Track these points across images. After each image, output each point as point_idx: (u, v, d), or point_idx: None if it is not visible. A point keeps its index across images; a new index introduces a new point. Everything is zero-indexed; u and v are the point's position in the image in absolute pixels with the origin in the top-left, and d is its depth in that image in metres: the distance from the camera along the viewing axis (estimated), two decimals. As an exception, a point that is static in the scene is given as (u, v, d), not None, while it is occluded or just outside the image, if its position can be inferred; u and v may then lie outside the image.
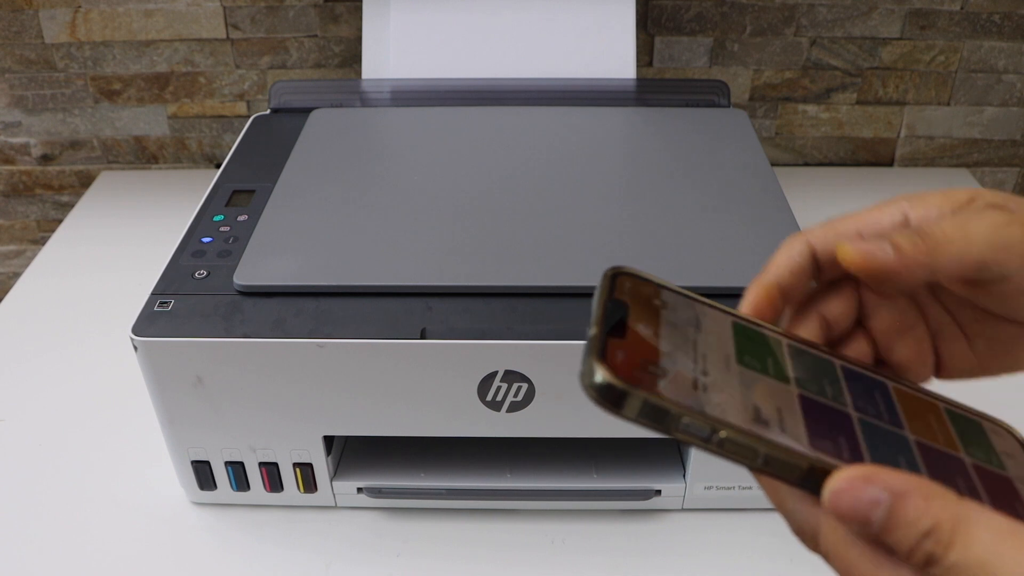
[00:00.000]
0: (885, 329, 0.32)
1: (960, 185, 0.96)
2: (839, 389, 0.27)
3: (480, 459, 0.60)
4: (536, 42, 0.79)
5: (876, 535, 0.23)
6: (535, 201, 0.60)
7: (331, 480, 0.58)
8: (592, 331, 0.25)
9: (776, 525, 0.58)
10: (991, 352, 0.33)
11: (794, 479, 0.24)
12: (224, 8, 0.91)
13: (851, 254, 0.29)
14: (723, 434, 0.24)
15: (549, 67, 0.79)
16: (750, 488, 0.58)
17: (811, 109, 0.97)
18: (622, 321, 0.26)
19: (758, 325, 0.29)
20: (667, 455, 0.60)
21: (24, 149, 1.00)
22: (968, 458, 0.26)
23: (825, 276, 0.32)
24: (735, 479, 0.57)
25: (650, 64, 0.95)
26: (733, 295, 0.52)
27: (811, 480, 0.24)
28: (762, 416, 0.25)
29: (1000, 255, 0.28)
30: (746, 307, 0.32)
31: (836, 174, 0.98)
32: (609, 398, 0.24)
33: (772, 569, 0.56)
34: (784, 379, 0.27)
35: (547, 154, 0.66)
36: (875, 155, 1.01)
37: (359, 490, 0.59)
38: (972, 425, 0.28)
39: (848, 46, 0.94)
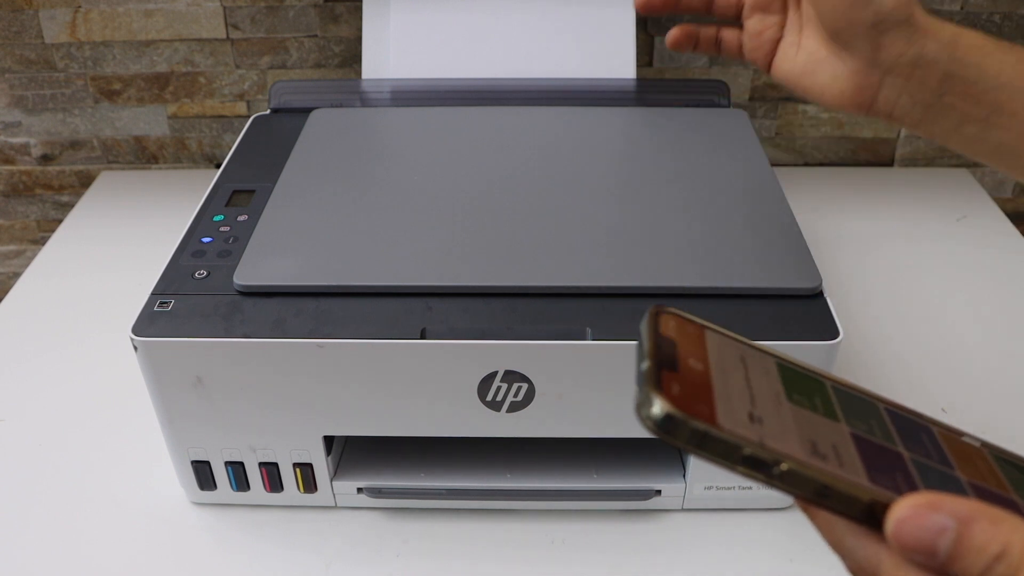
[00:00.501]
0: (752, 3, 0.47)
1: (961, 186, 0.96)
2: (887, 430, 0.27)
3: (480, 459, 0.60)
4: (536, 42, 0.79)
5: (943, 565, 0.22)
6: (535, 201, 0.60)
7: (331, 480, 0.58)
8: (645, 364, 0.25)
9: (776, 525, 0.58)
10: (806, 66, 0.45)
11: (855, 513, 0.24)
12: (224, 8, 0.91)
13: None
14: (784, 467, 0.24)
15: (549, 67, 0.79)
16: (750, 488, 0.58)
17: (811, 109, 0.97)
18: (672, 355, 0.26)
19: (801, 368, 0.29)
20: (667, 455, 0.60)
21: (24, 149, 1.00)
22: (1021, 501, 0.26)
23: None
24: (735, 479, 0.57)
25: (650, 64, 0.95)
26: (733, 295, 0.52)
27: (872, 514, 0.24)
28: (820, 450, 0.25)
29: None
30: None
31: (836, 174, 0.98)
32: (668, 429, 0.24)
33: (772, 569, 0.56)
34: (834, 417, 0.27)
35: (547, 154, 0.66)
36: (875, 155, 1.01)
37: (359, 490, 0.59)
38: (1019, 470, 0.28)
39: (848, 46, 0.94)
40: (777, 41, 0.47)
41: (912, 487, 0.25)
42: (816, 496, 0.24)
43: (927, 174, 0.99)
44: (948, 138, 0.43)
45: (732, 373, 0.26)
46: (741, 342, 0.28)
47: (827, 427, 0.26)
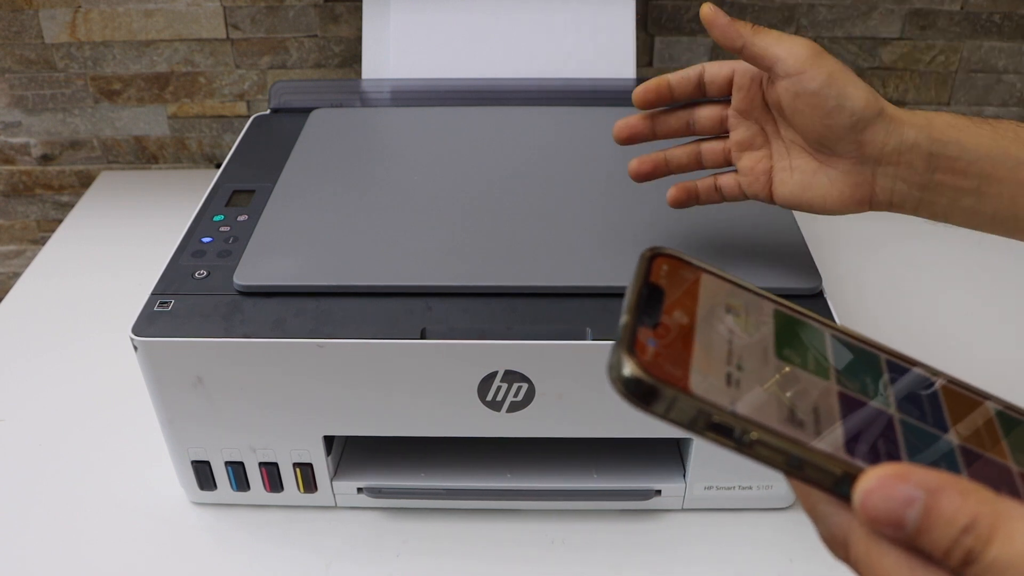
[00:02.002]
0: (739, 141, 0.50)
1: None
2: (882, 385, 0.26)
3: (480, 459, 0.60)
4: (536, 42, 0.79)
5: (911, 537, 0.22)
6: (535, 201, 0.60)
7: (331, 480, 0.58)
8: (623, 319, 0.24)
9: (776, 525, 0.58)
10: (803, 182, 0.48)
11: (827, 484, 0.23)
12: (224, 8, 0.91)
13: (706, 11, 0.47)
14: (754, 435, 0.23)
15: (549, 67, 0.79)
16: (750, 488, 0.58)
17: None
18: (656, 308, 0.25)
19: (800, 313, 0.27)
20: (667, 455, 0.60)
21: (24, 149, 1.00)
22: (1016, 466, 0.25)
23: (708, 92, 0.50)
24: (735, 479, 0.57)
25: (650, 64, 0.95)
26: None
27: (844, 485, 0.23)
28: (797, 416, 0.24)
29: (793, 56, 0.45)
30: (638, 89, 0.51)
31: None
32: (636, 393, 0.23)
33: (772, 569, 0.56)
34: (824, 374, 0.25)
35: (547, 154, 0.66)
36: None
37: (359, 490, 0.59)
38: (1022, 427, 0.27)
39: (848, 46, 0.94)
40: (770, 171, 0.50)
41: (892, 455, 0.24)
42: (787, 466, 0.23)
43: (927, 174, 0.99)
44: (950, 215, 0.46)
45: (720, 326, 0.25)
46: (741, 287, 0.27)
47: (813, 387, 0.25)
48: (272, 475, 0.57)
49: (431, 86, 0.78)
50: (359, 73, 0.81)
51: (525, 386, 0.52)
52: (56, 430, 0.66)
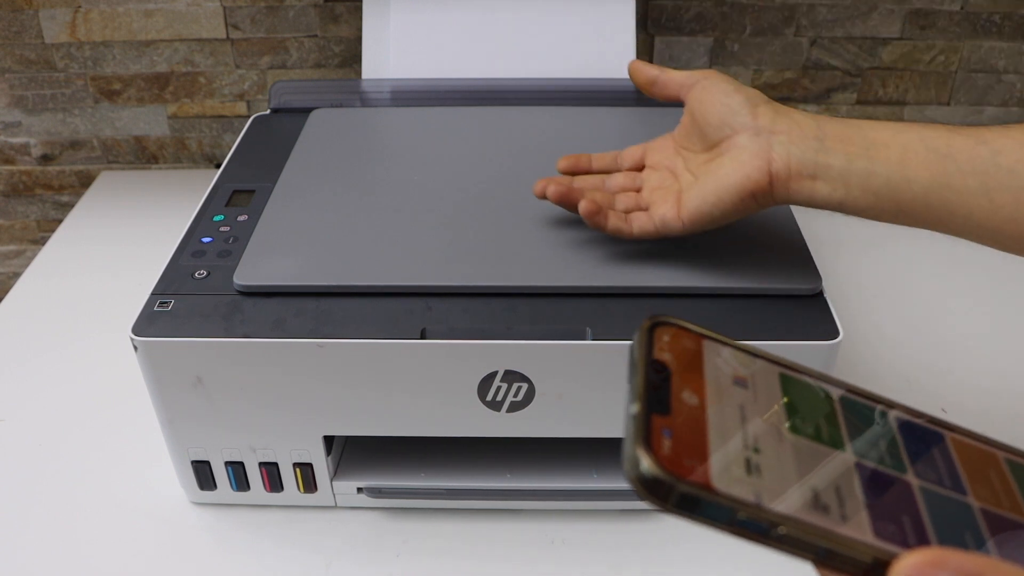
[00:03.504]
0: (651, 187, 0.55)
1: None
2: (896, 449, 0.25)
3: (480, 459, 0.60)
4: (536, 42, 0.79)
5: None
6: (535, 201, 0.60)
7: (331, 480, 0.58)
8: (634, 408, 0.23)
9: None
10: (707, 182, 0.50)
11: (858, 572, 0.22)
12: (224, 8, 0.91)
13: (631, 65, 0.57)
14: (782, 530, 0.22)
15: (549, 67, 0.79)
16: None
17: (811, 109, 0.97)
18: (665, 391, 0.24)
19: (805, 373, 0.27)
20: (667, 455, 0.60)
21: (24, 149, 1.00)
22: None
23: (621, 167, 0.58)
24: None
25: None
26: (733, 296, 0.52)
27: (876, 572, 0.22)
28: (820, 500, 0.23)
29: (698, 72, 0.53)
30: (562, 160, 0.58)
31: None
32: (657, 493, 0.21)
33: (772, 569, 0.56)
34: (839, 445, 0.25)
35: (547, 154, 0.66)
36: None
37: (359, 490, 0.59)
38: None
39: (848, 46, 0.94)
40: (679, 193, 0.52)
41: (918, 528, 0.23)
42: (815, 556, 0.22)
43: (927, 174, 0.99)
44: (848, 181, 0.47)
45: (731, 402, 0.24)
46: (742, 351, 0.26)
47: (831, 463, 0.24)
48: (272, 475, 0.57)
49: (431, 86, 0.78)
50: (359, 73, 0.81)
51: (525, 386, 0.52)
52: (56, 430, 0.66)
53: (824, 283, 0.53)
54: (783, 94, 0.96)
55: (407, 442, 0.60)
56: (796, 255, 0.56)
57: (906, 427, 0.26)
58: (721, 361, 0.26)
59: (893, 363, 0.71)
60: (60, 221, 0.93)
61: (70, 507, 0.60)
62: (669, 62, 0.94)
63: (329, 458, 0.57)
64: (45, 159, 1.01)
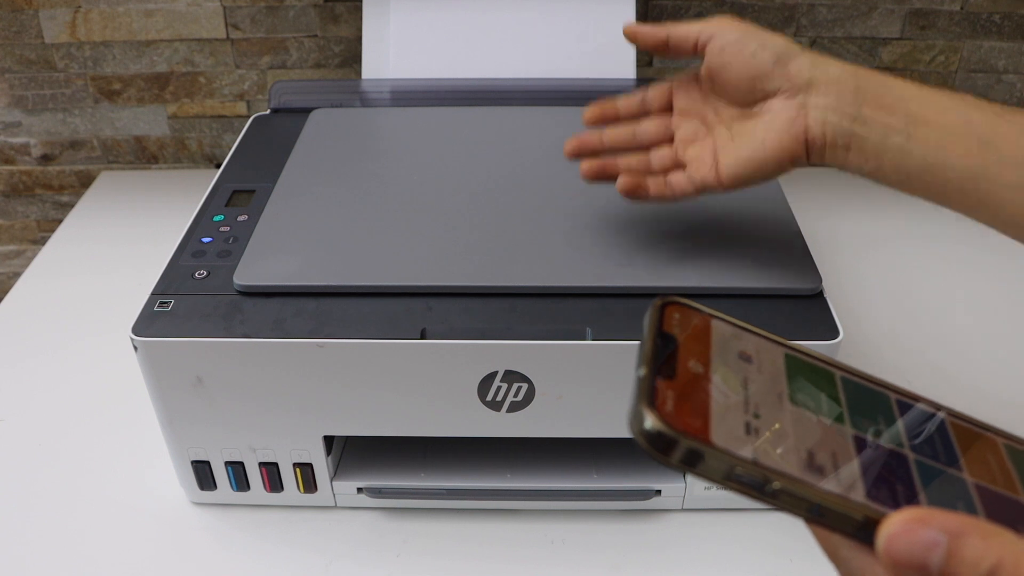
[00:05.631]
0: (684, 137, 0.52)
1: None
2: (894, 425, 0.26)
3: (480, 459, 0.60)
4: (536, 42, 0.79)
5: None
6: (535, 201, 0.60)
7: (331, 480, 0.58)
8: (641, 371, 0.24)
9: (776, 525, 0.58)
10: (743, 144, 0.49)
11: (848, 530, 0.23)
12: (224, 8, 0.91)
13: (626, 29, 0.52)
14: (776, 485, 0.23)
15: (549, 67, 0.79)
16: (750, 488, 0.57)
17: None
18: (672, 359, 0.25)
19: (810, 358, 0.28)
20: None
21: (24, 149, 1.00)
22: None
23: (649, 109, 0.54)
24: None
25: (650, 64, 0.95)
26: (734, 295, 0.52)
27: (866, 530, 0.23)
28: (816, 462, 0.24)
29: (711, 23, 0.50)
30: (587, 110, 0.54)
31: (836, 174, 0.98)
32: (659, 446, 0.23)
33: (772, 569, 0.56)
34: (838, 418, 0.26)
35: (547, 154, 0.66)
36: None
37: (359, 490, 0.59)
38: None
39: (848, 46, 0.94)
40: (715, 152, 0.51)
41: (911, 497, 0.24)
42: (809, 514, 0.23)
43: (927, 174, 0.98)
44: (882, 156, 0.45)
45: (735, 373, 0.26)
46: (749, 331, 0.28)
47: (829, 432, 0.25)
48: (272, 475, 0.57)
49: (431, 86, 0.78)
50: (359, 73, 0.81)
51: (525, 386, 0.52)
52: (56, 430, 0.66)
53: (824, 283, 0.53)
54: (783, 94, 0.96)
55: (407, 442, 0.60)
56: (796, 255, 0.56)
57: (906, 408, 0.27)
58: (728, 338, 0.27)
59: (893, 363, 0.71)
60: (60, 221, 0.93)
61: (70, 507, 0.60)
62: (669, 62, 0.94)
63: (329, 458, 0.57)
64: (45, 159, 1.01)
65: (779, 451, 0.24)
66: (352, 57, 0.94)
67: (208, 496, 0.59)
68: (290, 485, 0.58)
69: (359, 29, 0.86)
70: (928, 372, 0.70)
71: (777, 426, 0.25)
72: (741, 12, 0.91)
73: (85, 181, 1.02)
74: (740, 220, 0.58)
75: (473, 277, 0.53)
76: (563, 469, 0.59)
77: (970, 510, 0.24)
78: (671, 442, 0.23)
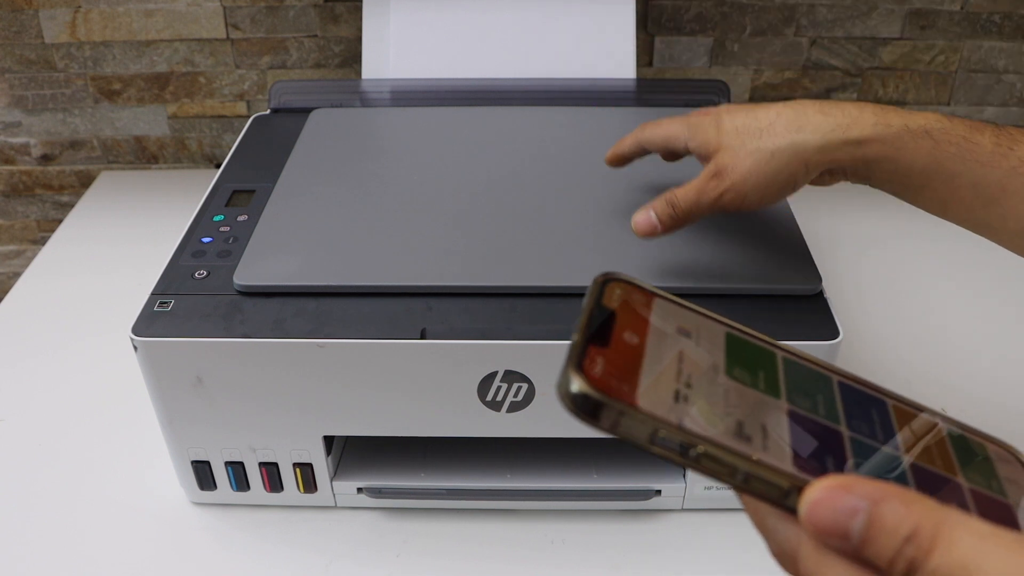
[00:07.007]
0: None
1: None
2: (833, 406, 0.26)
3: (480, 459, 0.60)
4: (536, 42, 0.79)
5: (856, 548, 0.22)
6: (535, 201, 0.60)
7: (331, 480, 0.58)
8: (574, 338, 0.24)
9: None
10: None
11: (774, 497, 0.23)
12: (224, 8, 0.91)
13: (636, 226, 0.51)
14: (700, 449, 0.23)
15: (549, 67, 0.79)
16: (750, 488, 0.57)
17: (811, 109, 0.97)
18: (607, 329, 0.25)
19: (753, 337, 0.28)
20: (667, 455, 0.60)
21: (24, 149, 1.00)
22: (966, 483, 0.25)
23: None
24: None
25: (650, 64, 0.95)
26: (734, 296, 0.52)
27: (792, 499, 0.23)
28: (744, 431, 0.24)
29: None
30: (608, 154, 0.57)
31: (836, 174, 0.98)
32: (584, 408, 0.23)
33: (772, 569, 0.56)
34: (775, 393, 0.26)
35: (547, 154, 0.66)
36: (875, 155, 1.01)
37: (359, 490, 0.59)
38: (975, 448, 0.27)
39: (848, 46, 0.94)
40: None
41: (840, 469, 0.24)
42: (733, 480, 0.23)
43: (927, 174, 0.98)
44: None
45: (671, 346, 0.25)
46: (693, 310, 0.28)
47: (762, 405, 0.25)
48: (272, 475, 0.57)
49: (431, 86, 0.78)
50: (359, 73, 0.81)
51: (525, 386, 0.52)
52: (56, 430, 0.66)
53: (824, 283, 0.53)
54: (783, 94, 0.96)
55: (407, 442, 0.60)
56: (796, 255, 0.56)
57: (848, 389, 0.27)
58: (668, 313, 0.27)
59: (893, 363, 0.71)
60: (60, 221, 0.93)
61: (70, 507, 0.60)
62: (669, 62, 0.94)
63: (329, 458, 0.57)
64: (45, 159, 1.01)
65: (706, 418, 0.24)
66: (352, 57, 0.94)
67: (208, 496, 0.59)
68: (290, 485, 0.58)
69: (359, 29, 0.86)
70: (928, 372, 0.70)
71: (708, 396, 0.24)
72: (741, 12, 0.91)
73: (85, 181, 1.02)
74: (740, 221, 0.58)
75: (473, 277, 0.53)
76: (563, 469, 0.59)
77: (901, 484, 0.24)
78: (596, 404, 0.23)
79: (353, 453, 0.60)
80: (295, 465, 0.57)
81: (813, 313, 0.52)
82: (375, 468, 0.59)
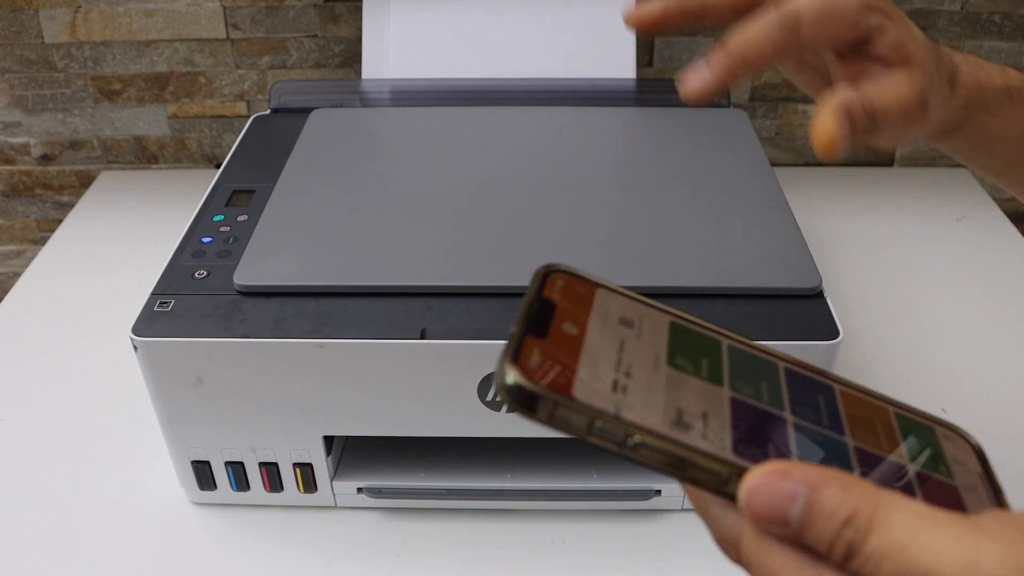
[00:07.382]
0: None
1: (961, 186, 0.96)
2: (778, 392, 0.26)
3: (480, 459, 0.60)
4: (536, 42, 0.79)
5: (796, 533, 0.22)
6: (535, 201, 0.60)
7: (331, 480, 0.58)
8: (511, 330, 0.24)
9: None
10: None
11: (714, 485, 0.23)
12: (224, 8, 0.91)
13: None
14: (637, 439, 0.23)
15: (549, 67, 0.79)
16: (750, 488, 0.57)
17: (811, 109, 0.97)
18: (546, 320, 0.25)
19: (699, 325, 0.28)
20: (667, 455, 0.60)
21: (24, 149, 1.00)
22: (912, 465, 0.25)
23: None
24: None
25: (650, 64, 0.95)
26: (733, 295, 0.52)
27: (732, 486, 0.23)
28: (684, 420, 0.24)
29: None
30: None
31: (836, 174, 0.98)
32: (519, 400, 0.23)
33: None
34: (718, 381, 0.26)
35: (547, 154, 0.66)
36: (875, 155, 1.01)
37: (359, 490, 0.59)
38: (923, 431, 0.27)
39: (848, 46, 0.94)
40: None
41: (782, 456, 0.24)
42: (673, 468, 0.23)
43: (927, 174, 0.99)
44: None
45: (611, 337, 0.25)
46: (637, 300, 0.28)
47: (703, 393, 0.25)
48: (272, 475, 0.57)
49: (431, 86, 0.78)
50: (359, 73, 0.81)
51: (525, 386, 0.51)
52: (56, 430, 0.66)
53: (824, 283, 0.53)
54: (783, 94, 0.96)
55: (407, 442, 0.60)
56: (796, 254, 0.56)
57: (794, 376, 0.27)
58: (611, 304, 0.27)
59: (893, 363, 0.71)
60: (60, 221, 0.93)
61: (70, 507, 0.60)
62: (669, 62, 0.94)
63: (329, 458, 0.57)
64: (45, 159, 1.01)
65: (644, 408, 0.24)
66: (352, 57, 0.94)
67: (208, 496, 0.59)
68: (290, 485, 0.58)
69: (359, 29, 0.86)
70: (928, 372, 0.70)
71: (647, 385, 0.24)
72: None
73: (85, 181, 1.02)
74: (740, 220, 0.58)
75: (473, 277, 0.53)
76: (563, 469, 0.59)
77: (845, 469, 0.24)
78: (531, 396, 0.23)
79: (353, 453, 0.60)
80: (295, 465, 0.57)
81: (813, 312, 0.52)
82: (375, 468, 0.59)
